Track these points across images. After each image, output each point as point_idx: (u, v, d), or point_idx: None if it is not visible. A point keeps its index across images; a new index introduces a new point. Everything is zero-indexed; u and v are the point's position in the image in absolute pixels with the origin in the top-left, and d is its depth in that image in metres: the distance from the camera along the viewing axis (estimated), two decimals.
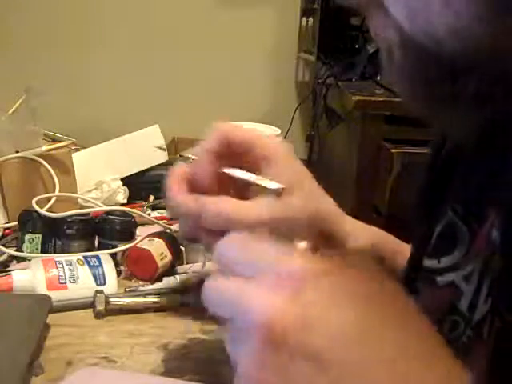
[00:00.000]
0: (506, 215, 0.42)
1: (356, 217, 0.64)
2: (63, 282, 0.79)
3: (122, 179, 1.15)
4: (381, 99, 1.70)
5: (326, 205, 0.61)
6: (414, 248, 0.56)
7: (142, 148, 1.22)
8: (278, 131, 1.36)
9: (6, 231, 0.98)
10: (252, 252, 0.38)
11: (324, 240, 0.58)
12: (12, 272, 0.81)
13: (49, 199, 0.99)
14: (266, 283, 0.36)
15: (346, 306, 0.35)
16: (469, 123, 0.41)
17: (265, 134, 0.63)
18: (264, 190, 0.55)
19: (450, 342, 0.45)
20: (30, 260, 0.87)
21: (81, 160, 1.12)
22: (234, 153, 0.58)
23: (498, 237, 0.43)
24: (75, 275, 0.80)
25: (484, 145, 0.47)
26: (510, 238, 0.41)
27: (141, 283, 0.85)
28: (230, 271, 0.38)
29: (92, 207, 1.03)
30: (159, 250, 0.88)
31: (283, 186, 0.55)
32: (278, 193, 0.55)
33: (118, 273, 0.85)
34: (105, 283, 0.81)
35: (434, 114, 0.42)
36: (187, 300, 0.80)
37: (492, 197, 0.46)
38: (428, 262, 0.52)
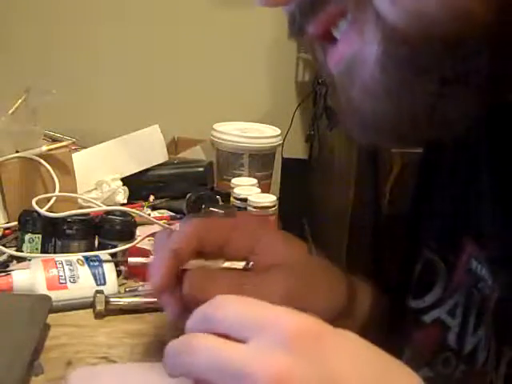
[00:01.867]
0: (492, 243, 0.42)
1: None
2: (63, 281, 0.79)
3: (122, 179, 1.15)
4: None
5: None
6: (395, 291, 0.56)
7: (142, 148, 1.22)
8: (278, 131, 1.36)
9: (6, 231, 0.98)
10: (248, 312, 0.36)
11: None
12: (12, 272, 0.81)
13: (49, 199, 0.99)
14: (268, 344, 0.34)
15: (366, 366, 0.34)
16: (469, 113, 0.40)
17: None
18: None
19: (445, 379, 0.45)
20: (30, 260, 0.87)
21: (81, 160, 1.12)
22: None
23: (485, 265, 0.43)
24: (75, 275, 0.80)
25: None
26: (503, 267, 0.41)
27: (141, 283, 0.85)
28: (221, 331, 0.36)
29: (92, 207, 1.03)
30: None
31: (251, 263, 0.53)
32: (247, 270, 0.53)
33: (118, 273, 0.85)
34: (105, 283, 0.81)
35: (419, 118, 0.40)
36: None
37: (467, 225, 0.46)
38: (413, 303, 0.52)
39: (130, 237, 0.93)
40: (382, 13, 0.36)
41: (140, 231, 0.96)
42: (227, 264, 0.53)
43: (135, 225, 0.95)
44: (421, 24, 0.35)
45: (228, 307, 0.36)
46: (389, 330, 0.56)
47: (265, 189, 1.18)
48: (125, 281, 0.87)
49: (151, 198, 1.19)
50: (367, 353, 0.35)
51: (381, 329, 0.57)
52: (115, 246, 0.91)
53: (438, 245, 0.49)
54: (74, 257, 0.83)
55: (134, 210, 1.03)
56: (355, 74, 0.39)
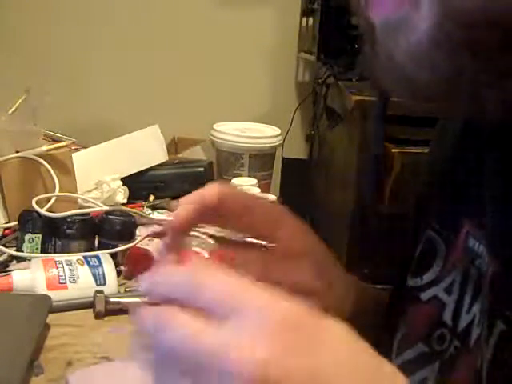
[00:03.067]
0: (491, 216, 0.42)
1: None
2: (63, 281, 0.79)
3: (122, 179, 1.15)
4: None
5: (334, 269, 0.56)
6: (397, 270, 0.56)
7: (142, 148, 1.22)
8: (278, 131, 1.36)
9: (6, 231, 0.98)
10: (230, 287, 0.33)
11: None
12: (12, 272, 0.81)
13: (49, 199, 0.99)
14: (250, 330, 0.31)
15: (347, 361, 0.32)
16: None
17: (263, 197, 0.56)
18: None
19: (439, 355, 0.45)
20: (30, 260, 0.87)
21: (81, 160, 1.12)
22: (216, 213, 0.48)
23: (483, 242, 0.43)
24: (75, 275, 0.80)
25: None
26: (498, 240, 0.41)
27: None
28: (195, 305, 0.33)
29: (92, 207, 1.03)
30: None
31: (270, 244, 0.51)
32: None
33: (118, 273, 0.85)
34: (105, 283, 0.81)
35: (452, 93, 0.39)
36: None
37: (466, 206, 0.46)
38: (412, 282, 0.52)
39: (130, 237, 0.93)
40: None
41: (140, 231, 0.97)
42: (249, 240, 0.51)
43: (135, 225, 0.95)
44: (490, 11, 0.33)
45: (215, 279, 0.33)
46: (386, 308, 0.57)
47: (265, 189, 1.18)
48: (125, 281, 0.87)
49: (151, 197, 1.19)
50: (350, 347, 0.33)
51: (369, 319, 0.57)
52: (115, 246, 0.91)
53: (440, 225, 0.50)
54: (73, 257, 0.83)
55: (134, 210, 1.03)
56: (401, 35, 0.37)
